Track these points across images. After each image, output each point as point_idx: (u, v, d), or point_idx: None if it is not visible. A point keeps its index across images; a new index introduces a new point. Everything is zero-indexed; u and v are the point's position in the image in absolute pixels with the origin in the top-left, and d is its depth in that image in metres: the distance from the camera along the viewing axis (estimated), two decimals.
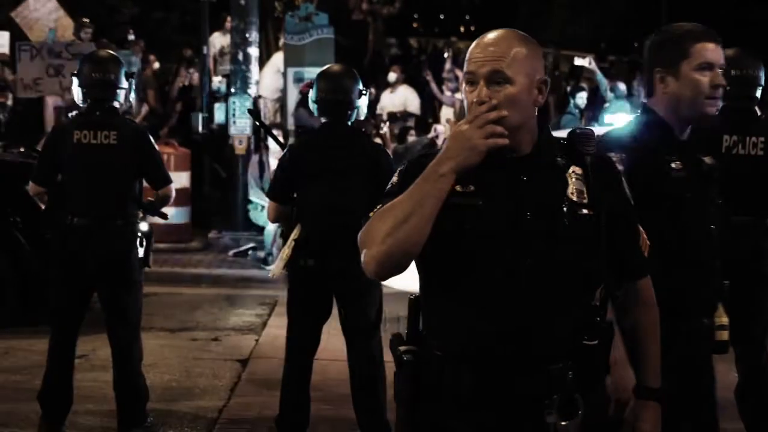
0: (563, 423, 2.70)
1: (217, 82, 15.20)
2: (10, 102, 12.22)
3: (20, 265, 8.38)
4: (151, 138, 6.00)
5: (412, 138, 13.82)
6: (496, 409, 2.72)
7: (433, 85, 15.82)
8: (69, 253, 5.72)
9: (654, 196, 3.41)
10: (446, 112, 15.57)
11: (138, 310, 5.91)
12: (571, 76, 16.86)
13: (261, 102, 13.93)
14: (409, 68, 17.90)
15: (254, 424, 6.24)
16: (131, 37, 16.09)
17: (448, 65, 16.57)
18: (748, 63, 5.11)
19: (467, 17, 32.72)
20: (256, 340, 8.29)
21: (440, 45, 21.29)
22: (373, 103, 13.60)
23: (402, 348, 2.81)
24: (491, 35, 2.78)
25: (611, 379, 3.29)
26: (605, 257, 2.80)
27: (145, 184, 5.94)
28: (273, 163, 11.12)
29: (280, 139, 8.50)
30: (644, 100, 3.64)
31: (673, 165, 3.46)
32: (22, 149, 9.91)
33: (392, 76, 15.77)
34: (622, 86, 14.93)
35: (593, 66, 15.52)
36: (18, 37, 13.20)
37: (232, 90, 13.69)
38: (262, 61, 14.97)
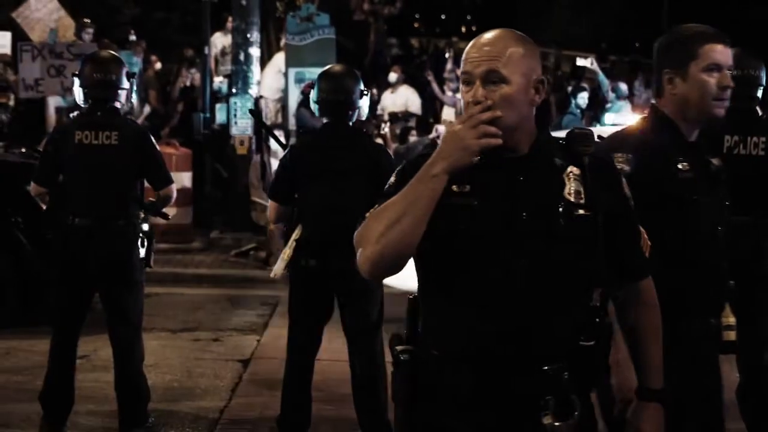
0: (557, 424, 2.70)
1: (219, 82, 15.20)
2: (12, 102, 12.22)
3: (21, 266, 8.38)
4: (153, 138, 6.00)
5: (413, 138, 13.82)
6: (495, 409, 2.72)
7: (435, 86, 15.82)
8: (70, 254, 5.73)
9: (661, 196, 3.41)
10: (448, 113, 15.57)
11: (139, 311, 5.92)
12: (573, 77, 16.86)
13: (262, 102, 13.92)
14: (410, 68, 17.90)
15: (255, 424, 6.24)
16: (132, 37, 16.10)
17: (449, 65, 16.57)
18: (749, 63, 5.11)
19: (468, 17, 32.74)
20: (258, 341, 8.30)
21: (441, 45, 21.29)
22: (374, 104, 13.60)
23: (399, 348, 2.82)
24: (487, 35, 2.78)
25: (614, 380, 3.30)
26: (602, 258, 2.80)
27: (146, 184, 5.94)
28: (274, 163, 11.11)
29: (282, 139, 8.51)
30: (653, 101, 3.64)
31: (680, 166, 3.46)
32: (23, 149, 9.91)
33: (393, 77, 15.77)
34: (623, 86, 14.94)
35: (595, 66, 15.54)
36: (19, 37, 13.21)
37: (234, 90, 13.69)
38: (264, 62, 14.97)
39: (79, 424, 6.08)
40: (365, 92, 5.68)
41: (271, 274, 5.74)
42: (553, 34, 22.00)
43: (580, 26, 24.50)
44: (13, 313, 8.31)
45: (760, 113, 5.21)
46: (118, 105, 5.86)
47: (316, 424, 5.73)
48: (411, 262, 2.83)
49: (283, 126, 13.65)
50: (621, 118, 12.54)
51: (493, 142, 2.65)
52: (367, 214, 2.75)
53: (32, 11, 13.37)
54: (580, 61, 16.71)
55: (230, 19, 14.69)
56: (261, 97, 13.93)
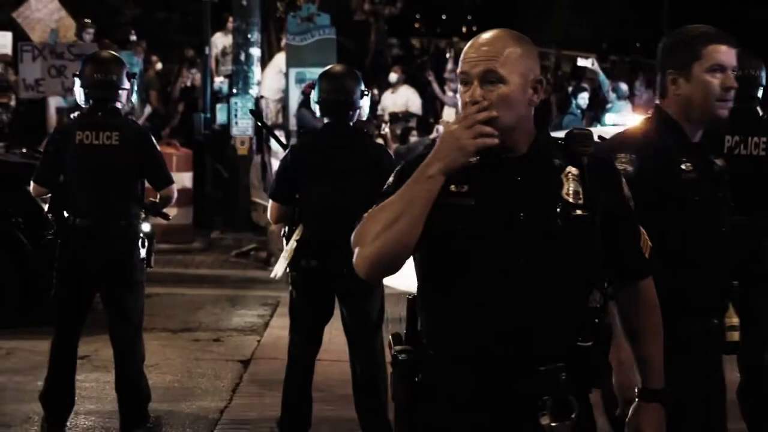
0: (554, 425, 2.69)
1: (219, 82, 15.20)
2: (13, 103, 12.22)
3: (22, 266, 8.38)
4: (153, 138, 6.00)
5: (414, 138, 13.82)
6: (493, 409, 2.71)
7: (436, 86, 15.82)
8: (71, 254, 5.73)
9: (664, 197, 3.41)
10: (448, 113, 15.56)
11: (140, 311, 5.92)
12: (574, 77, 16.86)
13: (263, 102, 13.93)
14: (411, 69, 17.90)
15: (256, 424, 6.24)
16: (133, 37, 16.10)
17: (450, 65, 16.55)
18: (750, 63, 5.11)
19: (469, 17, 32.75)
20: (258, 341, 8.29)
21: (442, 45, 21.29)
22: (374, 104, 13.60)
23: (397, 347, 2.82)
24: (485, 35, 2.78)
25: (617, 380, 3.30)
26: (600, 258, 2.80)
27: (147, 184, 5.94)
28: (275, 163, 11.12)
29: (282, 139, 8.51)
30: (656, 101, 3.64)
31: (683, 166, 3.46)
32: (24, 150, 9.91)
33: (393, 77, 15.77)
34: (624, 87, 14.93)
35: (596, 67, 15.54)
36: (20, 37, 13.21)
37: (234, 90, 13.70)
38: (264, 62, 14.98)
39: (79, 425, 6.09)
40: (366, 92, 5.68)
41: (272, 275, 5.75)
42: (554, 34, 22.01)
43: (580, 26, 24.50)
44: (14, 314, 8.31)
45: (760, 113, 5.21)
46: (118, 105, 5.86)
47: (316, 424, 5.73)
48: (411, 263, 2.83)
49: (284, 126, 13.65)
50: (621, 118, 12.55)
51: (488, 142, 2.65)
52: (365, 215, 2.75)
53: (33, 11, 13.37)
54: (581, 62, 16.71)
55: (231, 19, 14.70)
56: (262, 97, 13.93)
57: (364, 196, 5.22)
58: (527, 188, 2.73)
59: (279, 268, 5.59)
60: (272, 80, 14.73)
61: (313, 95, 5.68)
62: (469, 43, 2.79)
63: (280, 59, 14.73)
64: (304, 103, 12.23)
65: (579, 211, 2.74)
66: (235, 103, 13.26)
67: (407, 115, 15.16)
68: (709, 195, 3.52)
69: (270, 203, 5.71)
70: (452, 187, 2.71)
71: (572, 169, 2.77)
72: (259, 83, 13.99)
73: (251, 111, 10.65)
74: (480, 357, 2.70)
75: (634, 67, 18.54)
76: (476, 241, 2.70)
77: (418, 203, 2.65)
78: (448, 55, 17.33)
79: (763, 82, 5.18)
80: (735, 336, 3.60)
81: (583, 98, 13.98)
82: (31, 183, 5.93)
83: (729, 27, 3.64)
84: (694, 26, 3.60)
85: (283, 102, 14.28)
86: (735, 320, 3.60)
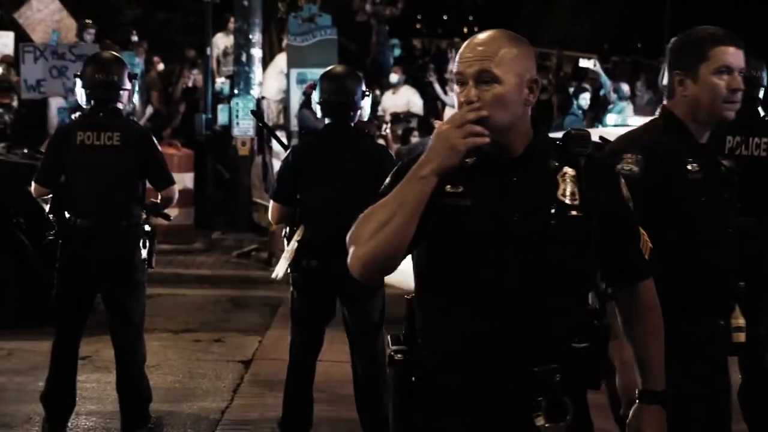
0: (547, 426, 2.69)
1: (221, 83, 15.19)
2: (15, 103, 12.22)
3: (23, 266, 8.39)
4: (155, 139, 6.00)
5: (415, 139, 13.80)
6: (488, 410, 2.71)
7: (437, 86, 15.82)
8: (72, 254, 5.73)
9: (670, 197, 3.41)
10: (450, 113, 15.52)
11: (141, 312, 5.92)
12: (575, 77, 16.86)
13: (264, 103, 13.92)
14: (412, 69, 17.90)
15: (257, 425, 6.24)
16: (134, 38, 16.10)
17: (451, 66, 16.56)
18: (751, 64, 5.09)
19: (470, 18, 32.76)
20: (259, 342, 8.29)
21: (443, 46, 21.31)
22: (375, 104, 13.60)
23: (394, 348, 2.82)
24: (481, 36, 2.78)
25: (620, 380, 3.30)
26: (595, 259, 2.80)
27: (148, 185, 5.94)
28: (276, 164, 11.13)
29: (283, 140, 8.51)
30: (664, 102, 3.64)
31: (689, 167, 3.46)
32: (25, 150, 9.92)
33: (394, 77, 15.76)
34: (625, 87, 14.93)
35: (598, 68, 15.53)
36: (22, 38, 13.21)
37: (236, 91, 13.69)
38: (266, 62, 14.97)
39: (80, 425, 6.09)
40: (367, 93, 5.68)
41: (273, 275, 5.75)
42: (555, 34, 22.04)
43: (581, 27, 24.51)
44: (15, 314, 8.31)
45: (762, 114, 5.21)
46: (120, 106, 5.86)
47: (317, 425, 5.73)
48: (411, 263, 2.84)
49: (285, 127, 13.64)
50: (622, 119, 12.54)
51: (479, 141, 2.64)
52: (361, 215, 2.75)
53: (34, 12, 13.37)
54: (583, 63, 16.72)
55: (232, 19, 14.69)
56: (263, 97, 13.93)
57: (365, 196, 5.23)
58: (522, 189, 2.73)
59: (280, 269, 5.59)
60: (273, 81, 14.72)
61: (315, 96, 5.68)
62: (464, 44, 2.79)
63: (281, 60, 14.73)
64: (306, 103, 12.24)
65: (574, 212, 2.73)
66: (237, 103, 13.26)
67: (408, 116, 15.15)
68: (716, 196, 3.51)
69: (271, 204, 5.71)
70: (448, 188, 2.71)
71: (569, 170, 2.77)
72: (260, 84, 13.99)
73: (252, 112, 10.66)
74: (475, 357, 2.70)
75: (636, 68, 18.54)
76: (471, 242, 2.70)
77: (410, 204, 2.65)
78: (449, 56, 17.34)
79: (764, 82, 5.17)
80: (741, 337, 3.60)
81: (585, 99, 13.97)
82: (32, 183, 5.93)
83: (729, 27, 3.64)
84: (703, 27, 3.60)
85: (285, 103, 14.28)
86: (741, 321, 3.59)
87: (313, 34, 13.66)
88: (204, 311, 9.44)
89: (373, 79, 15.11)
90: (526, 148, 2.77)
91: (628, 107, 14.47)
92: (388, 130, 13.33)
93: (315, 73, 10.46)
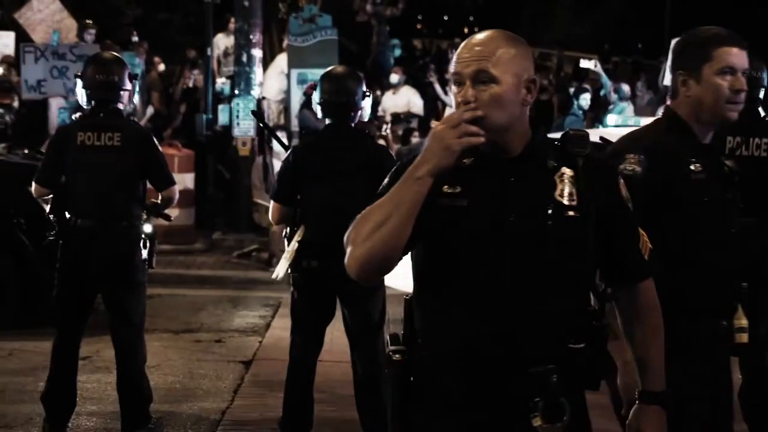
0: (544, 426, 2.68)
1: (221, 83, 15.20)
2: (15, 103, 12.23)
3: (24, 267, 8.38)
4: (155, 139, 6.01)
5: (415, 139, 13.81)
6: (485, 410, 2.71)
7: (437, 87, 15.83)
8: (72, 255, 5.73)
9: (672, 198, 3.41)
10: (450, 114, 15.53)
11: (141, 312, 5.92)
12: (575, 78, 16.86)
13: (265, 103, 13.93)
14: (413, 69, 17.90)
15: (257, 425, 6.24)
16: (135, 38, 16.11)
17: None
18: (752, 64, 5.08)
19: (471, 18, 32.77)
20: (260, 342, 8.29)
21: (444, 46, 21.31)
22: (375, 105, 13.60)
23: (392, 348, 2.81)
24: (478, 36, 2.78)
25: (622, 380, 3.30)
26: (594, 259, 2.80)
27: (148, 185, 5.94)
28: (277, 164, 11.13)
29: (284, 140, 8.51)
30: (667, 102, 3.64)
31: (692, 167, 3.46)
32: (26, 151, 9.92)
33: (394, 78, 15.77)
34: (625, 87, 14.93)
35: (599, 68, 15.53)
36: (22, 38, 13.21)
37: (236, 91, 13.70)
38: (266, 63, 14.98)
39: (81, 425, 6.09)
40: (367, 93, 5.68)
41: (274, 276, 5.75)
42: (555, 34, 22.04)
43: (582, 27, 24.51)
44: (16, 314, 8.31)
45: (762, 114, 5.20)
46: (120, 106, 5.86)
47: (318, 425, 5.73)
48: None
49: (286, 127, 13.66)
50: (622, 119, 12.54)
51: (474, 141, 2.64)
52: (358, 216, 2.75)
53: (35, 12, 13.37)
54: (584, 63, 16.71)
55: (233, 20, 14.70)
56: (263, 98, 13.94)
57: (366, 197, 5.23)
58: (520, 190, 2.72)
59: (280, 269, 5.59)
60: (274, 81, 14.74)
61: (315, 96, 5.68)
62: (462, 44, 2.79)
63: (281, 60, 14.74)
64: (306, 104, 12.25)
65: (571, 213, 2.73)
66: (237, 104, 13.27)
67: (409, 116, 15.17)
68: (719, 196, 3.51)
69: (272, 204, 5.71)
70: (445, 188, 2.71)
71: (567, 171, 2.77)
72: (260, 84, 13.99)
73: (253, 112, 10.66)
74: (471, 357, 2.69)
75: (636, 68, 18.53)
76: (468, 242, 2.70)
77: (406, 205, 2.65)
78: (450, 56, 17.34)
79: (765, 83, 5.17)
80: (744, 338, 3.59)
81: (585, 99, 13.97)
82: (33, 184, 5.93)
83: (729, 27, 3.64)
84: (707, 28, 3.59)
85: (285, 103, 14.29)
86: (744, 322, 3.58)
87: (314, 35, 13.67)
88: (204, 311, 9.44)
89: (374, 79, 15.11)
90: (525, 148, 2.77)
91: (629, 108, 14.47)
92: (388, 131, 13.34)
93: (315, 74, 10.47)
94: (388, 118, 14.53)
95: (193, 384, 7.06)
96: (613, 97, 14.76)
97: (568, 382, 2.72)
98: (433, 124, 14.26)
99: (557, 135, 2.94)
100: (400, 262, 2.77)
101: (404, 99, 15.55)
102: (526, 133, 2.79)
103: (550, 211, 2.71)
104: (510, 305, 2.68)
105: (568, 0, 26.47)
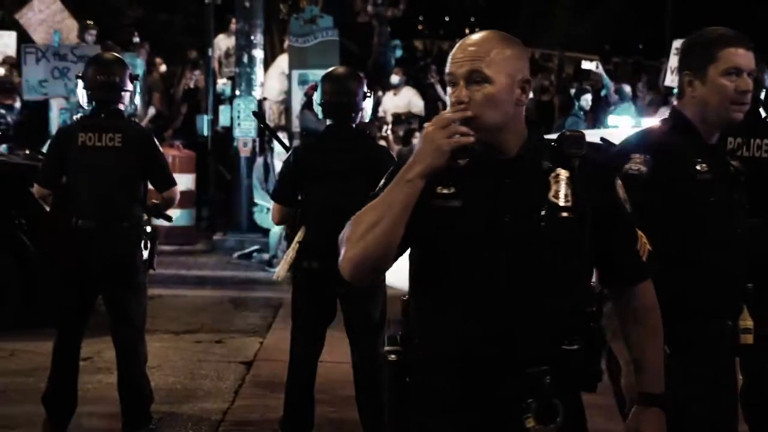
0: (537, 427, 2.68)
1: (222, 84, 15.20)
2: (17, 104, 12.23)
3: (25, 267, 8.39)
4: (156, 140, 6.01)
5: (416, 140, 13.81)
6: (480, 411, 2.71)
7: (438, 87, 15.82)
8: (73, 255, 5.73)
9: (678, 198, 3.40)
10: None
11: (142, 313, 5.92)
12: (576, 78, 16.85)
13: (266, 104, 13.93)
14: (414, 70, 17.89)
15: (258, 426, 6.24)
16: (136, 39, 16.10)
17: None
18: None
19: (472, 19, 32.74)
20: (261, 343, 8.30)
21: (445, 47, 21.29)
22: (376, 105, 13.61)
23: (388, 348, 2.81)
24: (473, 37, 2.80)
25: (625, 381, 3.29)
26: (591, 260, 2.79)
27: (149, 186, 5.95)
28: (278, 165, 11.12)
29: (285, 141, 8.52)
30: (674, 102, 3.64)
31: (698, 167, 3.46)
32: (27, 151, 9.93)
33: (395, 78, 15.77)
34: (627, 88, 14.92)
35: (600, 69, 15.51)
36: (23, 39, 13.21)
37: (237, 92, 13.70)
38: (267, 64, 14.98)
39: (82, 426, 6.09)
40: (368, 94, 5.68)
41: (274, 276, 5.75)
42: (556, 35, 22.02)
43: (582, 27, 24.48)
44: (17, 315, 8.32)
45: (763, 115, 5.20)
46: (121, 107, 5.86)
47: (319, 426, 5.73)
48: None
49: (287, 128, 13.66)
50: (622, 120, 12.53)
51: (464, 141, 2.64)
52: (353, 216, 2.75)
53: (35, 12, 13.37)
54: (585, 64, 16.68)
55: (234, 21, 14.69)
56: (264, 99, 13.94)
57: (367, 198, 5.25)
58: (514, 190, 2.72)
59: (281, 270, 5.59)
60: (275, 82, 14.73)
61: (316, 97, 5.68)
62: (456, 45, 2.80)
63: (282, 61, 14.73)
64: (307, 104, 12.25)
65: (566, 214, 2.72)
66: (238, 104, 13.27)
67: (409, 117, 15.16)
68: (725, 196, 3.51)
69: (273, 205, 5.71)
70: (439, 189, 2.72)
71: (562, 172, 2.76)
72: (261, 85, 13.99)
73: (254, 113, 10.67)
74: (465, 358, 2.69)
75: (637, 69, 18.53)
76: (462, 243, 2.70)
77: (398, 206, 2.65)
78: None
79: (767, 83, 5.16)
80: (749, 339, 3.58)
81: (586, 100, 13.96)
82: (34, 184, 5.94)
83: (730, 27, 3.63)
84: (713, 28, 3.59)
85: (286, 104, 14.29)
86: (749, 323, 3.58)
87: (315, 36, 13.66)
88: (205, 312, 9.44)
89: (375, 80, 15.11)
90: (520, 149, 2.77)
91: (630, 108, 14.46)
92: (389, 131, 13.34)
93: (316, 75, 10.48)
94: (389, 118, 14.53)
95: (194, 384, 7.06)
96: (614, 97, 14.75)
97: (562, 384, 2.71)
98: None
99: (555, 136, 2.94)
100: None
101: (405, 100, 15.54)
102: (523, 133, 2.78)
103: (543, 212, 2.71)
104: (504, 306, 2.68)
105: (568, 0, 26.44)
